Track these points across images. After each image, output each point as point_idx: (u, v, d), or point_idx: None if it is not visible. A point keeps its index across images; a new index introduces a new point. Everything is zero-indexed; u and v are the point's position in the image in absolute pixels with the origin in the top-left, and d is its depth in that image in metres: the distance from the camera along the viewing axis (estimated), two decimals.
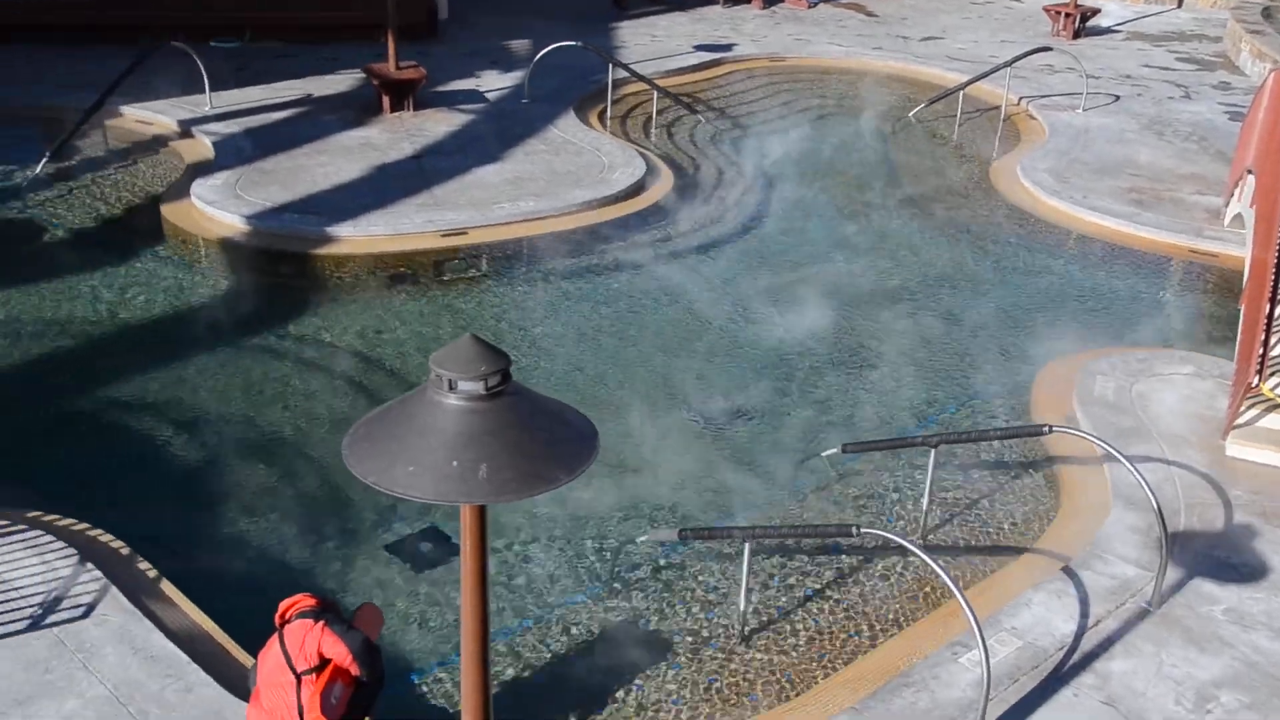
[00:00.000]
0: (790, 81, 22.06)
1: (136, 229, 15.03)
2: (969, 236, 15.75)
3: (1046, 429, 9.56)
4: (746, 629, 8.72)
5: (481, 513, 3.80)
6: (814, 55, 23.10)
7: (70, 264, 13.99)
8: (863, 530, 8.20)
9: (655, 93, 19.18)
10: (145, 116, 17.92)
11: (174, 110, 17.93)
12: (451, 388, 3.59)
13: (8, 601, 8.24)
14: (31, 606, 8.22)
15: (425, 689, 8.22)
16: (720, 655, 8.52)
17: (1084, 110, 19.79)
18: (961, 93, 20.22)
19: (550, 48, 19.06)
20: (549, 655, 8.50)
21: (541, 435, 3.66)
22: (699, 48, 22.71)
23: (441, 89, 19.33)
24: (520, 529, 9.67)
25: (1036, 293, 14.22)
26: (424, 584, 9.16)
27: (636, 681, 8.25)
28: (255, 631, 8.18)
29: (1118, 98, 20.67)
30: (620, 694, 8.13)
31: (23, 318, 12.77)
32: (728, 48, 22.86)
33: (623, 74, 19.23)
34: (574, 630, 8.73)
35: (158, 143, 17.39)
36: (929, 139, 19.54)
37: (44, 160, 16.27)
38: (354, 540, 9.64)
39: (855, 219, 16.18)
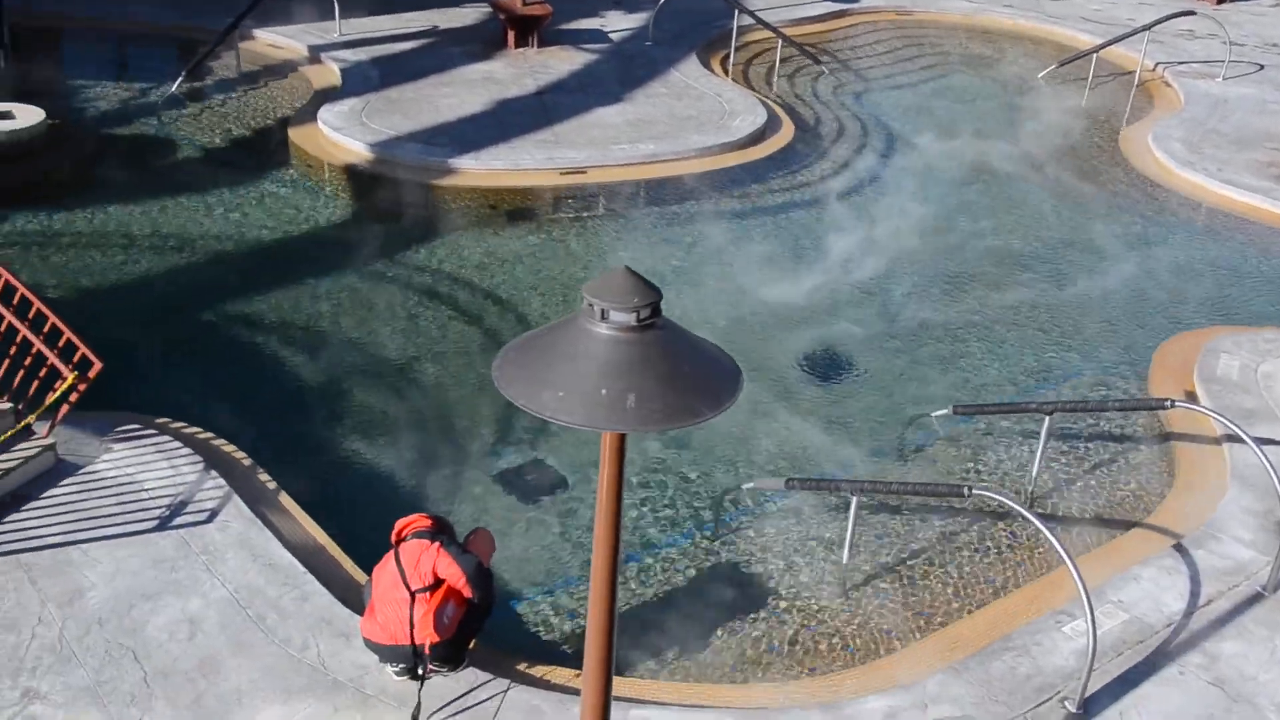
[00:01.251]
0: (916, 36, 21.66)
1: (264, 151, 15.39)
2: (1094, 204, 15.38)
3: (1168, 403, 9.37)
4: (848, 582, 8.74)
5: (623, 442, 3.87)
6: (942, 10, 22.65)
7: (199, 182, 14.38)
8: (974, 492, 8.15)
9: (779, 41, 18.96)
10: (276, 41, 18.26)
11: (304, 36, 18.24)
12: (604, 317, 3.65)
13: (138, 501, 8.59)
14: (160, 508, 8.55)
15: (528, 616, 8.39)
16: (820, 606, 8.55)
17: (1224, 79, 19.14)
18: (1094, 56, 19.67)
19: None
20: (648, 594, 8.61)
21: (688, 369, 3.70)
22: None
23: (565, 27, 19.36)
24: (626, 467, 9.77)
25: (1161, 265, 13.86)
26: (530, 514, 9.32)
27: (734, 626, 8.33)
28: (365, 547, 8.47)
29: (1262, 67, 19.94)
30: (716, 638, 8.22)
31: (151, 232, 13.16)
32: None
33: (747, 20, 19.05)
34: (674, 571, 8.83)
35: (287, 67, 17.73)
36: (1057, 102, 19.06)
37: (179, 79, 16.69)
38: (462, 467, 9.83)
39: (976, 180, 15.89)
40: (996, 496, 8.27)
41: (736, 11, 18.88)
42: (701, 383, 3.70)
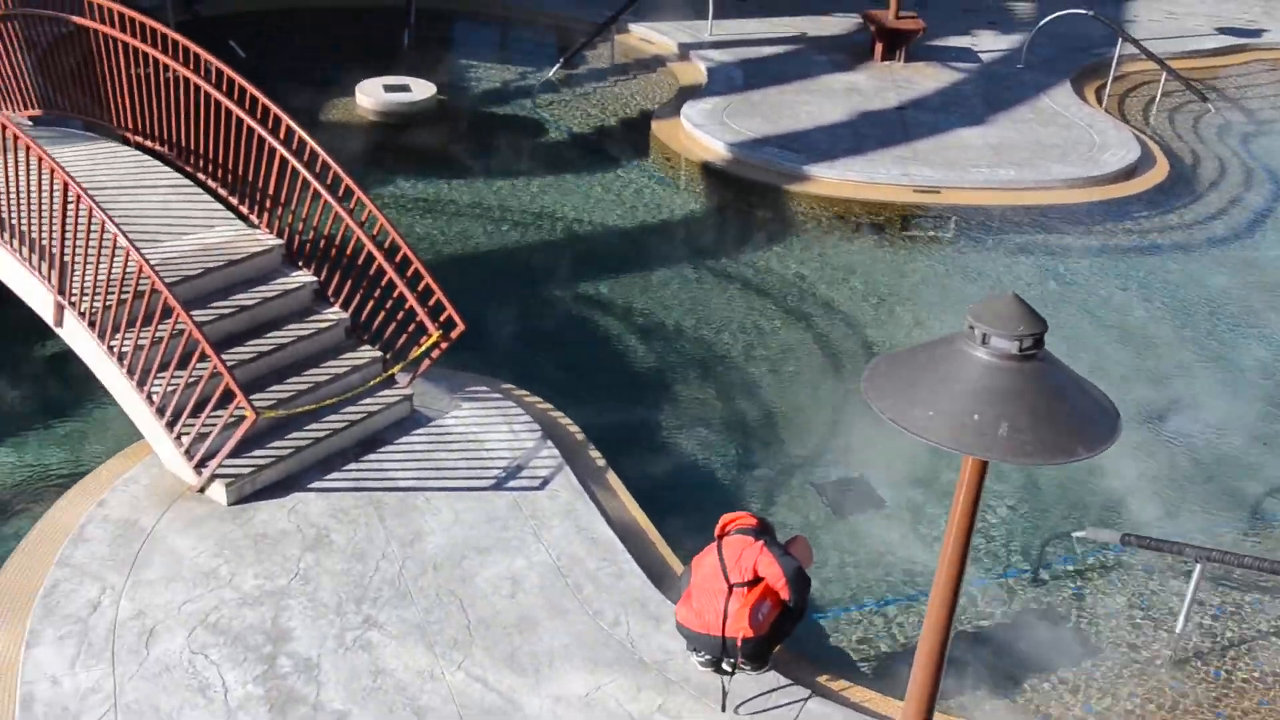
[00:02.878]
0: None
1: (626, 141, 15.95)
2: None
3: None
4: (1179, 654, 8.17)
5: (984, 470, 3.77)
6: None
7: (562, 164, 15.10)
8: None
9: (1163, 74, 17.88)
10: (649, 36, 18.87)
11: (676, 33, 18.75)
12: (984, 342, 3.56)
13: (479, 459, 9.11)
14: (498, 468, 9.03)
15: (831, 630, 8.32)
16: (1144, 674, 8.03)
17: None
18: None
19: (1056, 14, 18.21)
20: (960, 626, 8.34)
21: (1065, 406, 3.56)
22: (1221, 30, 20.89)
23: (934, 43, 18.99)
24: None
25: None
26: (843, 529, 9.24)
27: (1044, 677, 7.96)
28: (679, 536, 8.64)
29: None
30: (1024, 685, 7.88)
31: (514, 207, 13.91)
32: (1256, 34, 20.88)
33: (1129, 49, 18.07)
34: (990, 608, 8.52)
35: (656, 62, 18.30)
36: None
37: (556, 66, 17.56)
38: (781, 471, 9.86)
39: None
40: None
41: (1120, 40, 17.95)
42: (1078, 421, 3.54)
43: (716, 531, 7.33)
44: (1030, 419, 3.47)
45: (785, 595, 7.01)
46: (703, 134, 15.27)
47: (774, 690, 7.25)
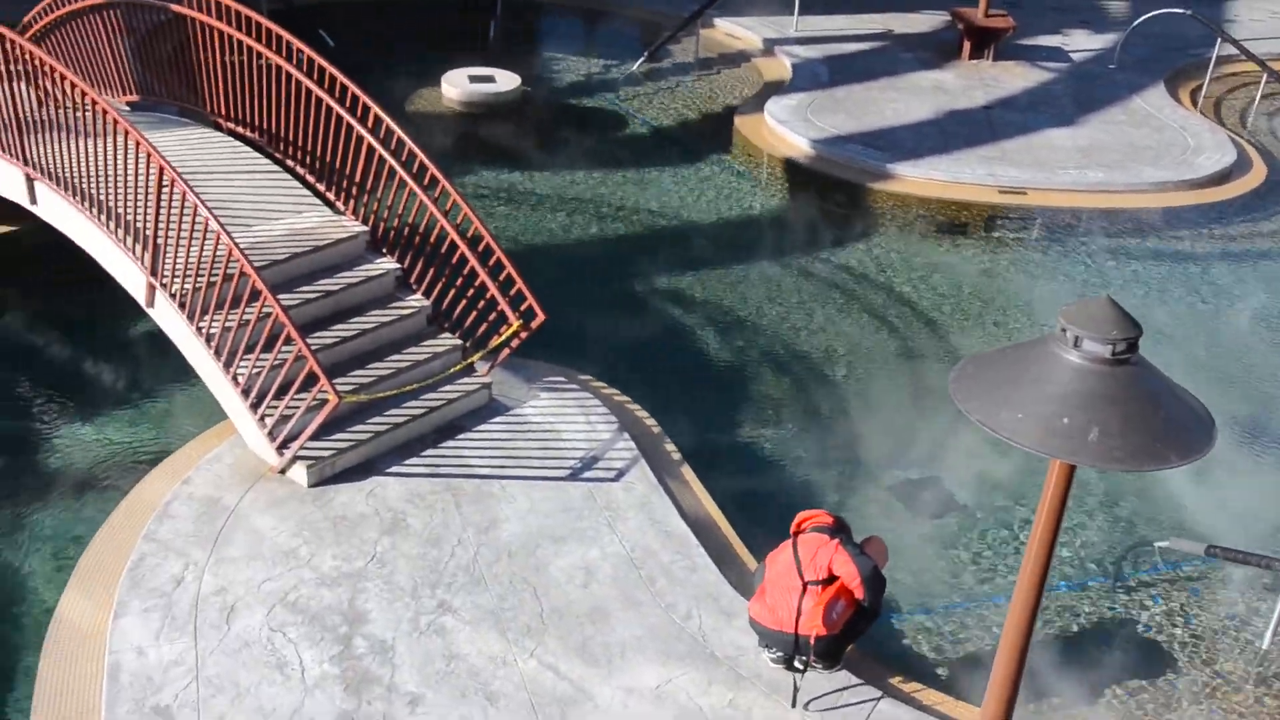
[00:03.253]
0: None
1: (709, 135, 15.93)
2: None
3: None
4: (1266, 669, 7.97)
5: (1071, 473, 3.71)
6: None
7: (644, 157, 15.13)
8: None
9: (1264, 75, 17.42)
10: (735, 31, 18.84)
11: (761, 28, 18.69)
12: (1076, 345, 3.50)
13: (556, 449, 9.16)
14: (573, 459, 9.07)
15: (905, 631, 8.24)
16: (1228, 692, 7.85)
17: None
18: None
19: (1152, 13, 17.84)
20: (1037, 633, 8.21)
21: (1158, 412, 3.49)
22: None
23: (1024, 42, 18.71)
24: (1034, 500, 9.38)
25: None
26: (919, 531, 9.14)
27: (1125, 691, 7.81)
28: (752, 531, 8.61)
29: None
30: (1104, 698, 7.73)
31: (594, 198, 13.96)
32: None
33: (1229, 50, 17.64)
34: (1067, 616, 8.39)
35: (741, 57, 18.25)
36: None
37: (641, 60, 17.59)
38: (857, 471, 9.78)
39: None
40: None
41: (1219, 40, 17.52)
42: (1171, 428, 3.47)
43: (792, 528, 7.30)
44: (1122, 424, 3.41)
45: (860, 595, 6.97)
46: (786, 130, 15.20)
47: (845, 689, 7.21)
